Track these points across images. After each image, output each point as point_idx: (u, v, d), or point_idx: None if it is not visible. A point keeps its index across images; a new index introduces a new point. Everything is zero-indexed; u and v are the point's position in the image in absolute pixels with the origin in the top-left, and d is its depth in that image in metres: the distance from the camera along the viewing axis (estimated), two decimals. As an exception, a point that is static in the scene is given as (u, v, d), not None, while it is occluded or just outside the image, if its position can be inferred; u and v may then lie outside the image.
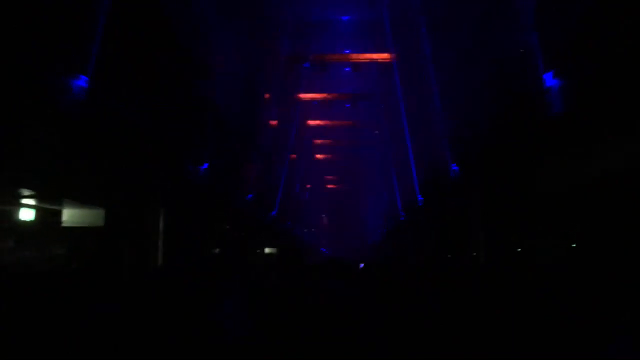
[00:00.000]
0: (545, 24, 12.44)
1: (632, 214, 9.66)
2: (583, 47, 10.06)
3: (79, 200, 11.80)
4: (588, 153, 10.41)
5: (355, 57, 29.48)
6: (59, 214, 12.30)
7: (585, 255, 11.84)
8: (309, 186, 48.01)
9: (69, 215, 12.18)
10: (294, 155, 33.77)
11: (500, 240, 17.50)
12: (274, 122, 27.84)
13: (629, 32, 8.28)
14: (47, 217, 12.28)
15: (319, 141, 45.36)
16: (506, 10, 15.14)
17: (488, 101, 17.09)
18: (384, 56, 27.66)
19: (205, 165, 17.20)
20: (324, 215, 65.95)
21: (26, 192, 10.45)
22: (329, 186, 61.97)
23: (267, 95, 26.83)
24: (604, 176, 10.26)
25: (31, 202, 11.29)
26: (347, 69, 29.44)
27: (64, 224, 12.31)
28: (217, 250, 23.54)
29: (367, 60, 29.27)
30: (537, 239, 14.69)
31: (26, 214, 11.38)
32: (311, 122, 38.39)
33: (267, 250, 32.78)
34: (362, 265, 16.12)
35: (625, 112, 8.66)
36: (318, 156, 49.46)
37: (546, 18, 12.56)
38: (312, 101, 34.00)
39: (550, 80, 10.83)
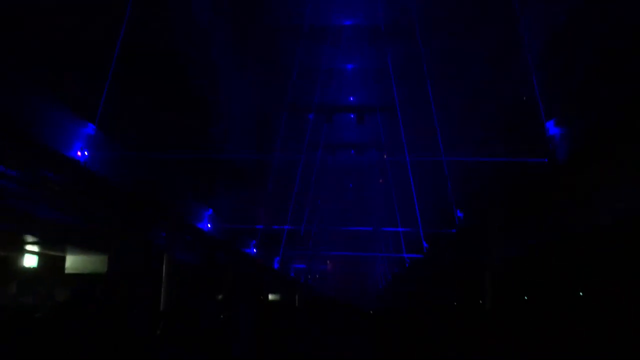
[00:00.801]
0: (547, 75, 12.66)
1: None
2: (584, 96, 10.20)
3: (83, 247, 11.80)
4: (589, 202, 10.38)
5: (359, 107, 29.99)
6: (63, 260, 12.30)
7: (597, 305, 11.67)
8: (313, 231, 47.79)
9: (73, 262, 12.16)
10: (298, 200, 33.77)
11: (507, 288, 17.30)
12: (279, 167, 28.00)
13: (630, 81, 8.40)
14: (52, 263, 12.30)
15: (323, 187, 45.48)
16: (509, 61, 15.41)
17: (492, 148, 17.20)
18: (387, 105, 27.99)
19: (210, 211, 17.24)
20: (329, 262, 65.39)
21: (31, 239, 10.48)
22: (334, 232, 61.62)
23: (273, 141, 27.08)
24: (608, 224, 10.21)
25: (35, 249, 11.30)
26: (352, 116, 29.78)
27: (67, 271, 12.29)
28: (219, 296, 23.31)
29: (371, 110, 29.73)
30: (543, 286, 14.52)
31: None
32: (315, 167, 38.58)
33: (270, 297, 32.49)
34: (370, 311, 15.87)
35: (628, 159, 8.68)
36: (323, 202, 49.45)
37: (548, 68, 12.79)
38: (317, 148, 34.32)
39: (552, 128, 10.93)
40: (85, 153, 9.79)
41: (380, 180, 35.78)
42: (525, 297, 16.28)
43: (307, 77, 27.51)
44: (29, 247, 12.45)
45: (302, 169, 31.61)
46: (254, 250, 23.61)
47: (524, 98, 14.10)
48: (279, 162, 27.21)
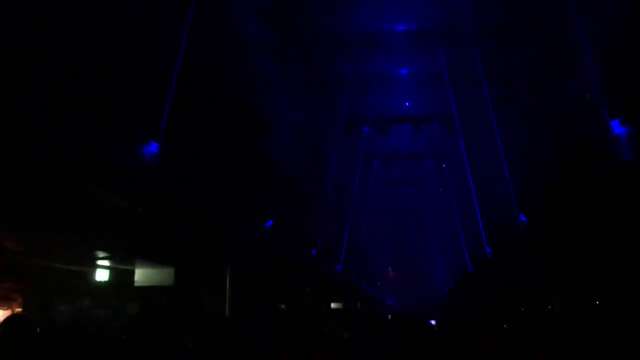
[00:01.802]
0: (611, 70, 12.22)
1: None
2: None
3: (152, 261, 12.24)
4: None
5: (415, 117, 29.82)
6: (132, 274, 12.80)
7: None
8: (374, 242, 47.76)
9: (142, 276, 12.63)
10: (357, 210, 33.83)
11: (576, 293, 16.73)
12: (337, 179, 28.13)
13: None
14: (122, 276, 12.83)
15: (381, 196, 45.52)
16: (569, 59, 14.97)
17: (554, 151, 16.71)
18: (444, 113, 27.62)
19: (270, 222, 17.50)
20: (390, 269, 65.09)
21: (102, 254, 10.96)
22: (394, 241, 61.52)
23: (329, 153, 27.26)
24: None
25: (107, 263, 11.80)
26: (408, 127, 29.64)
27: (136, 284, 12.77)
28: (282, 306, 23.59)
29: (428, 119, 29.57)
30: (613, 292, 13.97)
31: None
32: (374, 179, 38.64)
33: (333, 305, 32.55)
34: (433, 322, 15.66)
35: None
36: (381, 213, 49.51)
37: (612, 64, 12.35)
38: (373, 159, 34.46)
39: (617, 127, 10.53)
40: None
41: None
42: (597, 302, 15.70)
43: (362, 87, 27.57)
44: (100, 262, 13.07)
45: (359, 181, 31.73)
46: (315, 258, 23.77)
47: (587, 96, 13.65)
48: (336, 175, 27.37)
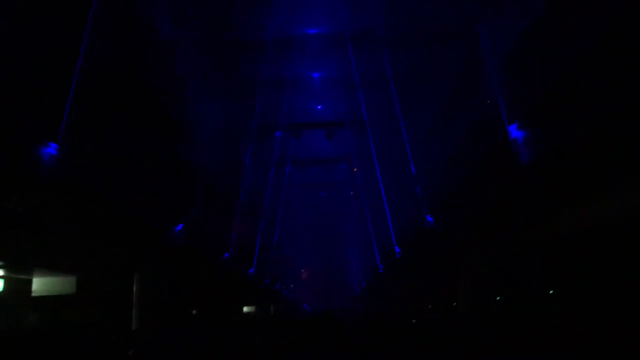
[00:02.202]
0: (511, 78, 12.93)
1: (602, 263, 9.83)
2: (548, 101, 10.45)
3: (51, 269, 11.55)
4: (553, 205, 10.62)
5: (327, 123, 30.31)
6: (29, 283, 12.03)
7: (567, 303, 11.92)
8: (286, 243, 47.87)
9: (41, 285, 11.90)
10: (270, 213, 33.76)
11: (480, 289, 17.56)
12: (251, 182, 27.94)
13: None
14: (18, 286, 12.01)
15: (295, 200, 45.85)
16: (473, 65, 15.67)
17: (460, 154, 17.47)
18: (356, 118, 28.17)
19: (180, 226, 17.06)
20: (303, 270, 65.48)
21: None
22: (308, 243, 62.10)
23: (243, 157, 27.01)
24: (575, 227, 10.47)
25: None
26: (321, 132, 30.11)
27: (34, 294, 12.01)
28: (194, 311, 23.09)
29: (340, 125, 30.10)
30: (515, 287, 14.77)
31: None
32: (287, 182, 38.81)
33: (245, 309, 32.29)
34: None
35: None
36: (295, 215, 49.91)
37: (512, 72, 13.07)
38: (286, 163, 34.62)
39: (515, 131, 11.14)
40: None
41: (354, 169, 35.88)
42: (497, 298, 16.56)
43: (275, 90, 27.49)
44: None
45: (273, 184, 31.70)
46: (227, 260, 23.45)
47: (488, 102, 14.35)
48: (250, 178, 27.18)
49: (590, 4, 9.49)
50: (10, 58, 9.47)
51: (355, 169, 35.07)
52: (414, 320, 18.88)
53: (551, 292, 12.87)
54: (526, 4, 12.58)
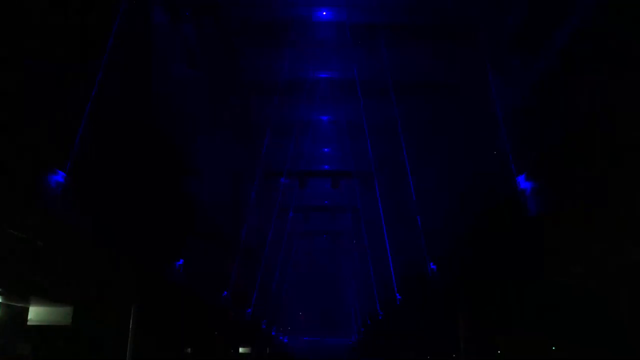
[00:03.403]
0: (518, 129, 13.03)
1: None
2: (555, 152, 10.48)
3: (48, 298, 11.39)
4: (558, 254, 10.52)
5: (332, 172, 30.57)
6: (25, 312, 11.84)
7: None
8: (286, 286, 47.50)
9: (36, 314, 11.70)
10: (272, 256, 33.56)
11: (482, 340, 17.22)
12: (254, 225, 27.88)
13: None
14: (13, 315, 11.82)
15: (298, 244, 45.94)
16: (482, 118, 15.82)
17: (465, 204, 17.44)
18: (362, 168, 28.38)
19: (181, 262, 16.94)
20: (301, 313, 64.69)
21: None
22: (308, 287, 61.83)
23: (248, 199, 27.03)
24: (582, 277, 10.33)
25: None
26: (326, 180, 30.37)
27: (30, 322, 11.81)
28: (188, 350, 22.65)
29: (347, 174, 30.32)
30: (519, 338, 14.49)
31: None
32: (290, 227, 38.88)
33: (241, 350, 31.72)
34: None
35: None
36: (298, 260, 49.94)
37: (519, 124, 13.18)
38: (289, 210, 34.73)
39: (523, 183, 11.14)
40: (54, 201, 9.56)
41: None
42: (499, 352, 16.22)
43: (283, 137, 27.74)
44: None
45: (276, 229, 31.65)
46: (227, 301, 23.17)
47: (495, 152, 14.42)
48: (254, 221, 27.13)
49: (600, 61, 9.65)
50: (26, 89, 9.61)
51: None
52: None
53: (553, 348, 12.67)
54: (536, 58, 12.81)
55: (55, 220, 9.67)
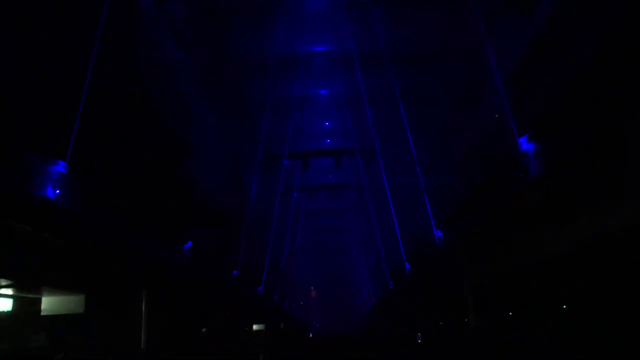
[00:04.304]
0: (520, 92, 12.91)
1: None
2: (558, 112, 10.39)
3: (60, 288, 11.48)
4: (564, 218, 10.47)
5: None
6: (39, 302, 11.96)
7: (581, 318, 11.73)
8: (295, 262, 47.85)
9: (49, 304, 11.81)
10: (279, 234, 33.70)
11: (490, 304, 17.32)
12: (261, 205, 27.91)
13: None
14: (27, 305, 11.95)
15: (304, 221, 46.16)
16: (481, 83, 15.67)
17: (468, 168, 17.38)
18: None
19: (189, 244, 17.01)
20: (312, 288, 65.30)
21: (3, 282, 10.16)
22: (317, 261, 62.37)
23: (253, 179, 27.00)
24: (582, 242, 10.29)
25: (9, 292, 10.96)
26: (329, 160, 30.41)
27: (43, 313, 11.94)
28: (203, 330, 22.89)
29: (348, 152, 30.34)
30: (527, 303, 14.56)
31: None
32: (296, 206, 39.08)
33: (255, 327, 32.01)
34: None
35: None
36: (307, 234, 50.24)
37: (519, 86, 13.05)
38: (294, 189, 34.82)
39: (525, 144, 11.06)
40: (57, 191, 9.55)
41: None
42: (510, 313, 16.31)
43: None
44: (1, 291, 12.11)
45: (282, 206, 31.77)
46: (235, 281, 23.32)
47: (496, 116, 14.31)
48: (260, 200, 27.15)
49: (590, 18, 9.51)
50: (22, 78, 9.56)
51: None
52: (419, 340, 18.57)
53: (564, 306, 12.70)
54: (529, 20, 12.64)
55: (60, 209, 9.68)
